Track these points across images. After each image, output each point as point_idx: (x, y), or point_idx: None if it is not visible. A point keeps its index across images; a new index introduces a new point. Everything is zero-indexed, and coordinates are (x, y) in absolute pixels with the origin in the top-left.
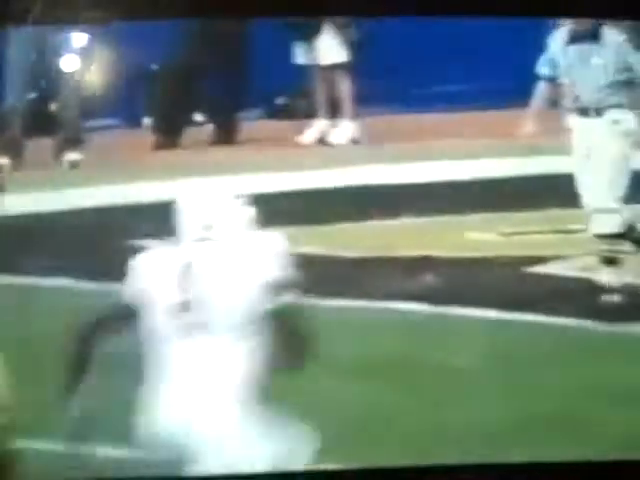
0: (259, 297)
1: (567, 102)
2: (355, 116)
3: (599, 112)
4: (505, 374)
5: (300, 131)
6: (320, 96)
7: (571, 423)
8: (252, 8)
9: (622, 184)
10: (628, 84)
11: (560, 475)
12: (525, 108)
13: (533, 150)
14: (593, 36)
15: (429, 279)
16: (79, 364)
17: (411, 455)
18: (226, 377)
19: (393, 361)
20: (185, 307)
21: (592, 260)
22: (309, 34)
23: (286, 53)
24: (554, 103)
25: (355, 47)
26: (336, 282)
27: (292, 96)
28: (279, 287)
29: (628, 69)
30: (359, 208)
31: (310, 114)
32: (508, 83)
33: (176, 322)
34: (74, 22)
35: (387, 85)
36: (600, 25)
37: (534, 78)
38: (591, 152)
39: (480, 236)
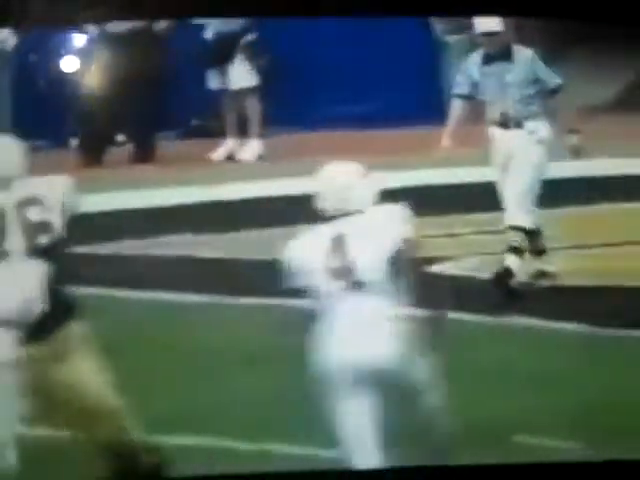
0: (395, 255)
1: (488, 117)
2: (262, 135)
3: (518, 124)
4: None
5: (211, 150)
6: (230, 117)
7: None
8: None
9: (536, 189)
10: (540, 94)
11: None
12: (420, 127)
13: (440, 162)
14: (505, 55)
15: None
16: None
17: None
18: (378, 324)
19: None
20: (342, 271)
21: (477, 260)
22: (221, 61)
23: (200, 79)
24: (471, 119)
25: (263, 72)
26: (237, 282)
27: (205, 118)
28: (407, 246)
29: (538, 81)
30: (263, 217)
31: (221, 134)
32: (408, 104)
33: (337, 284)
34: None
35: (294, 106)
36: (510, 45)
37: (435, 99)
38: (510, 160)
39: None
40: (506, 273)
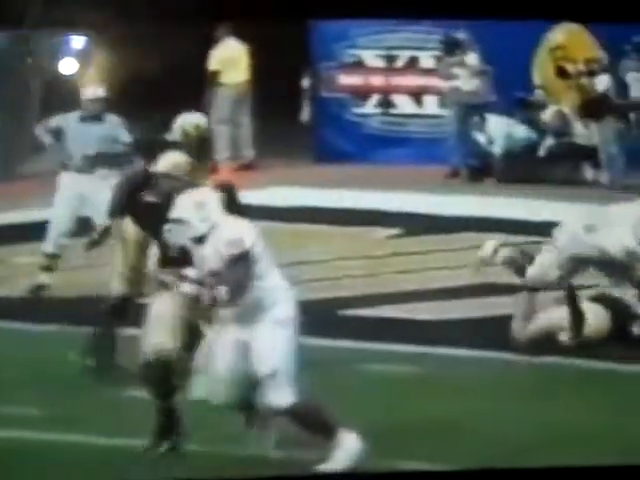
0: None
1: (65, 163)
2: None
3: (89, 170)
4: None
5: None
6: None
7: None
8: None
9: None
10: (116, 152)
11: None
12: None
13: None
14: (99, 118)
15: None
16: None
17: None
18: None
19: None
20: None
21: None
22: None
23: None
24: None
25: None
26: None
27: None
28: None
29: (118, 142)
30: None
31: None
32: None
33: None
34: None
35: None
36: (104, 111)
37: None
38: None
39: None
40: (39, 288)
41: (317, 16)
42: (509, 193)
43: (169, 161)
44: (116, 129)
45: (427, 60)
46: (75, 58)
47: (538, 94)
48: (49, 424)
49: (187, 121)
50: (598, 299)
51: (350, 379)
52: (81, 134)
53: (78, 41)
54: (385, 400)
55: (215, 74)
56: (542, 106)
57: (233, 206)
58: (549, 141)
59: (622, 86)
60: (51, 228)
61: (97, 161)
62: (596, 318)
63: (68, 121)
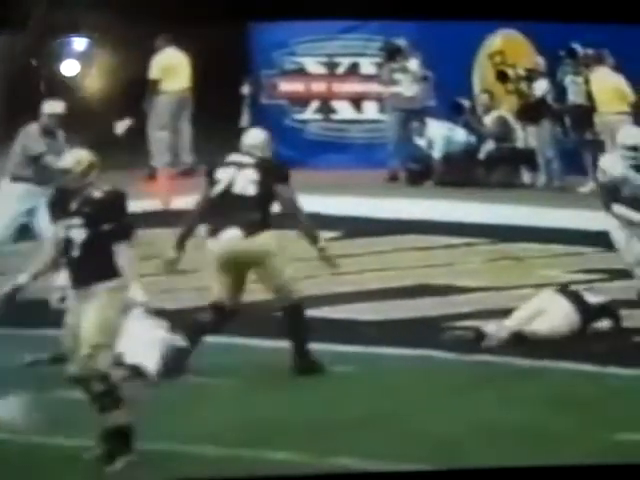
0: None
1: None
2: None
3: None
4: None
5: None
6: None
7: None
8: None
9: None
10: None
11: None
12: None
13: None
14: (53, 133)
15: None
16: None
17: None
18: None
19: None
20: None
21: None
22: None
23: None
24: None
25: None
26: None
27: None
28: None
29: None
30: None
31: None
32: None
33: None
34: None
35: None
36: (58, 127)
37: None
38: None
39: None
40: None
41: (257, 19)
42: (447, 196)
43: (74, 157)
44: (61, 147)
45: (368, 67)
46: (76, 60)
47: (481, 98)
48: None
49: (264, 137)
50: (562, 291)
51: (290, 378)
52: (35, 146)
53: (80, 43)
54: (324, 398)
55: (155, 82)
56: (482, 111)
57: (122, 214)
58: (489, 145)
59: (560, 91)
60: None
61: (46, 173)
62: (560, 310)
63: (27, 131)
